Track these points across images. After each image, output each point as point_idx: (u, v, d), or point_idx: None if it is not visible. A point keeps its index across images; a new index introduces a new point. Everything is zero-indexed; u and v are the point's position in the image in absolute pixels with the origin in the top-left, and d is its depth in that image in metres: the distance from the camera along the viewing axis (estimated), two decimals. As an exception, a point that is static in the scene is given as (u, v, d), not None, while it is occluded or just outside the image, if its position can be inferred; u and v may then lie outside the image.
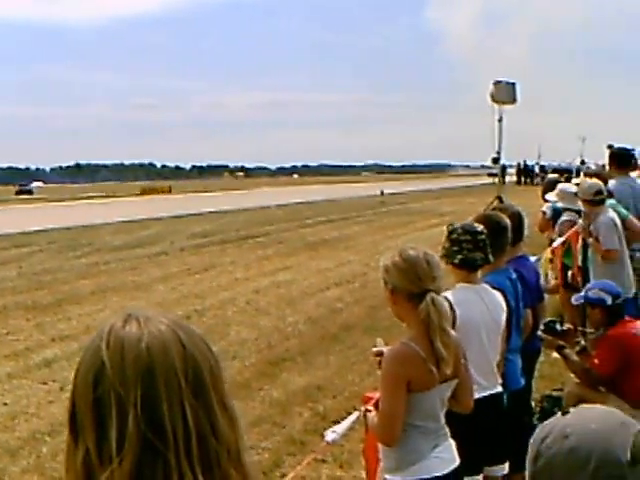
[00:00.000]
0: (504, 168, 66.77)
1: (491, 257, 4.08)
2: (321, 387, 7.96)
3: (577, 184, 8.54)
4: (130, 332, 1.24)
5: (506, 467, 4.15)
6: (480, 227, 4.08)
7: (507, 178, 62.57)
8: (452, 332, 3.26)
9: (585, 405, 1.45)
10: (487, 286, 4.16)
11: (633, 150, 9.87)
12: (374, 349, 3.59)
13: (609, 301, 5.93)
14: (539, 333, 5.71)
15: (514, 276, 4.65)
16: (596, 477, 1.30)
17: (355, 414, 3.82)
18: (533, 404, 6.42)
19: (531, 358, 5.41)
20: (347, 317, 11.09)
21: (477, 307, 4.02)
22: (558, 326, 6.01)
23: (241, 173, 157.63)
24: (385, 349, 3.48)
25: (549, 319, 6.38)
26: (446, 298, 3.92)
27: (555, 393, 6.69)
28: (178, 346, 1.23)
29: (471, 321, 3.97)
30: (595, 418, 1.36)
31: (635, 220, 8.01)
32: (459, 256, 3.99)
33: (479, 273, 4.13)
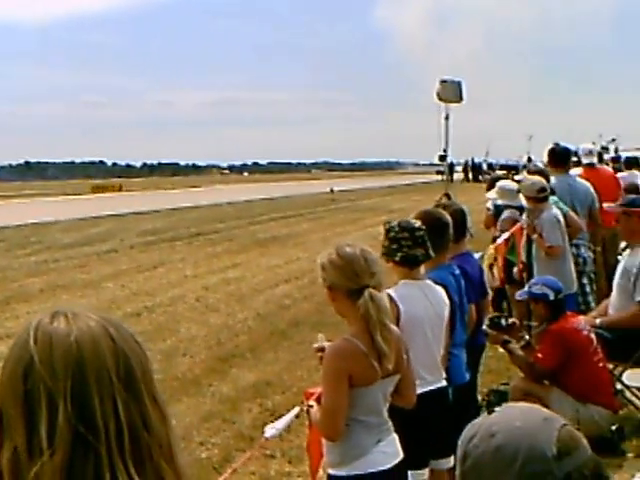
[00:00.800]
0: (452, 166, 67.31)
1: (432, 252, 4.08)
2: (270, 383, 7.94)
3: (518, 181, 8.62)
4: (58, 327, 1.22)
5: (451, 460, 4.15)
6: (417, 223, 4.08)
7: (456, 175, 63.39)
8: (393, 327, 3.27)
9: (510, 404, 1.46)
10: (430, 282, 4.17)
11: (570, 149, 10.01)
12: (315, 345, 3.58)
13: (552, 296, 5.99)
14: (484, 328, 5.75)
15: (457, 272, 4.66)
16: (523, 474, 1.30)
17: (295, 410, 3.81)
18: (480, 398, 6.47)
19: (476, 353, 5.44)
20: (296, 313, 11.08)
21: (420, 303, 4.03)
22: (503, 321, 6.05)
23: (227, 171, 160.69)
24: (326, 345, 3.47)
25: (494, 314, 6.43)
26: (389, 295, 3.93)
27: (501, 387, 6.74)
28: (108, 340, 1.22)
29: (415, 317, 3.98)
30: (519, 416, 1.37)
31: (574, 215, 8.11)
32: (399, 254, 3.99)
33: (421, 269, 4.13)
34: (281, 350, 9.15)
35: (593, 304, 7.90)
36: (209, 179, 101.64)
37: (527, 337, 6.26)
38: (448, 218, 4.54)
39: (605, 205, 7.25)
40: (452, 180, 61.14)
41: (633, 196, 7.30)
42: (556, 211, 7.75)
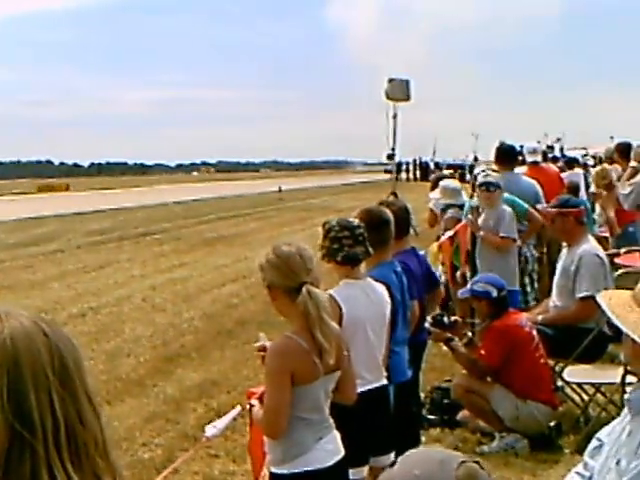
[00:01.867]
0: (400, 165, 67.62)
1: (371, 250, 4.08)
2: (216, 382, 7.87)
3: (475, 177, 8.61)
4: None
5: (392, 457, 4.16)
6: (356, 221, 4.07)
7: (404, 174, 63.69)
8: (333, 323, 3.26)
9: (410, 451, 1.46)
10: (371, 280, 4.16)
11: (515, 147, 10.11)
12: (256, 344, 3.56)
13: (494, 293, 6.03)
14: (427, 326, 5.77)
15: (399, 269, 4.66)
16: None
17: (236, 409, 3.79)
18: (423, 396, 6.51)
19: (418, 350, 5.46)
20: (242, 312, 11.03)
21: (362, 303, 4.01)
22: (445, 319, 6.08)
23: (212, 169, 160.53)
24: (268, 343, 3.45)
25: (437, 312, 6.47)
26: (332, 296, 3.92)
27: (444, 384, 6.77)
28: (42, 337, 1.20)
29: (357, 317, 3.97)
30: (417, 463, 1.38)
31: (533, 210, 8.19)
32: (341, 253, 3.97)
33: (361, 267, 4.13)
34: (227, 349, 9.09)
35: (532, 303, 7.99)
36: (157, 179, 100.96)
37: (470, 334, 6.30)
38: (389, 215, 4.54)
39: (539, 206, 7.32)
40: (400, 179, 61.88)
41: (567, 196, 7.36)
42: (509, 208, 7.82)
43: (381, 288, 4.17)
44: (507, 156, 9.00)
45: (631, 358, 2.48)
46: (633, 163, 7.47)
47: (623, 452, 2.40)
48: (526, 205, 8.18)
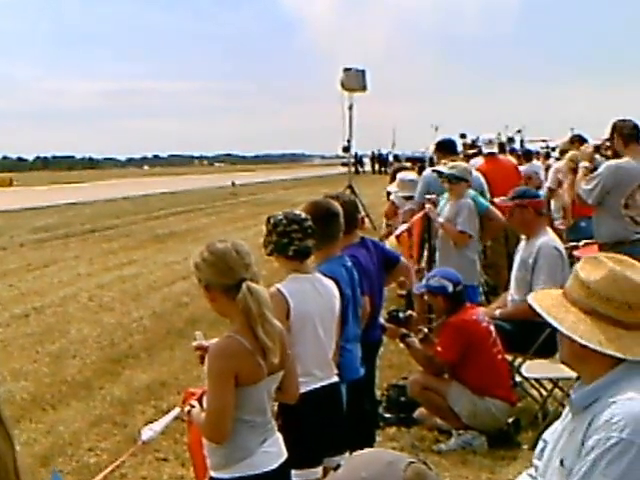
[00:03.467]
0: (359, 157, 67.47)
1: (320, 243, 4.08)
2: (165, 383, 7.82)
3: (435, 171, 8.63)
4: None
5: (346, 457, 4.17)
6: (303, 214, 4.05)
7: (367, 167, 63.74)
8: (275, 321, 3.23)
9: (355, 452, 1.47)
10: (319, 274, 4.15)
11: (454, 140, 10.26)
12: (194, 344, 3.52)
13: (450, 289, 6.06)
14: (381, 321, 5.78)
15: (349, 264, 4.65)
16: None
17: (175, 411, 3.75)
18: (379, 393, 6.53)
19: (373, 347, 5.46)
20: (193, 311, 10.96)
21: (311, 297, 4.00)
22: (401, 314, 6.10)
23: (205, 162, 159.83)
24: (206, 343, 3.42)
25: (392, 308, 6.49)
26: (279, 290, 3.90)
27: (401, 382, 6.81)
28: None
29: (306, 311, 3.96)
30: (364, 465, 1.38)
31: (496, 210, 8.24)
32: (292, 247, 3.95)
33: (309, 261, 4.12)
34: (178, 349, 9.03)
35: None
36: (106, 173, 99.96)
37: (426, 330, 6.33)
38: (337, 208, 4.52)
39: (497, 200, 7.38)
40: (359, 172, 62.02)
41: (524, 187, 7.42)
42: (471, 201, 7.88)
43: (330, 283, 4.15)
44: (446, 149, 9.26)
45: (570, 359, 2.50)
46: (584, 163, 7.56)
47: (566, 452, 2.42)
48: (486, 203, 8.26)
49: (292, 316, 3.87)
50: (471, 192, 8.00)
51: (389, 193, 10.61)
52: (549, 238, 6.42)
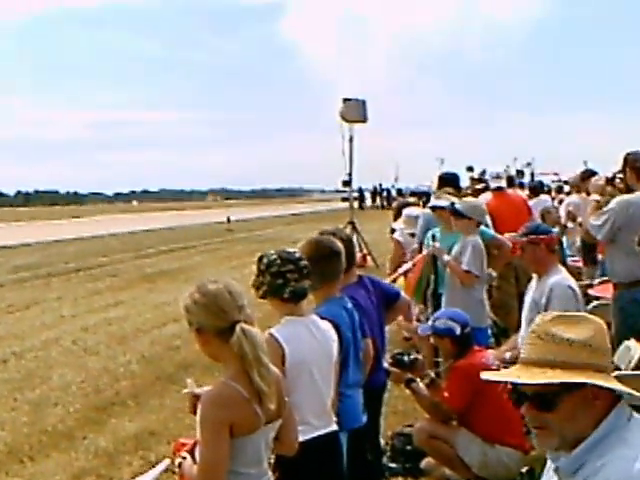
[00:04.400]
0: (361, 192, 67.39)
1: (317, 284, 4.09)
2: (154, 433, 7.79)
3: (432, 207, 8.70)
4: None
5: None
6: (297, 253, 4.05)
7: (368, 202, 63.73)
8: (271, 366, 3.22)
9: None
10: (314, 317, 4.14)
11: (457, 174, 10.32)
12: (185, 391, 3.51)
13: (457, 331, 6.06)
14: (385, 366, 5.78)
15: (350, 305, 4.66)
16: None
17: (164, 463, 3.74)
18: (383, 442, 6.50)
19: (377, 392, 5.46)
20: (185, 355, 10.94)
21: (307, 341, 3.98)
22: (406, 357, 6.09)
23: (218, 196, 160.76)
24: (199, 391, 3.41)
25: (396, 351, 6.48)
26: (273, 335, 3.89)
27: (406, 430, 6.77)
28: None
29: (302, 357, 3.94)
30: None
31: (501, 236, 8.27)
32: (288, 288, 3.93)
33: (306, 302, 4.11)
34: (168, 396, 9.00)
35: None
36: (92, 209, 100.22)
37: (432, 374, 6.31)
38: (339, 246, 4.53)
39: (508, 235, 7.41)
40: (363, 207, 62.10)
41: (537, 223, 7.44)
42: (478, 238, 7.89)
43: (327, 326, 4.15)
44: (448, 184, 9.27)
45: (559, 420, 2.48)
46: (595, 196, 7.61)
47: None
48: (492, 232, 8.29)
49: (287, 362, 3.85)
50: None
51: (393, 230, 10.60)
52: (562, 276, 6.40)
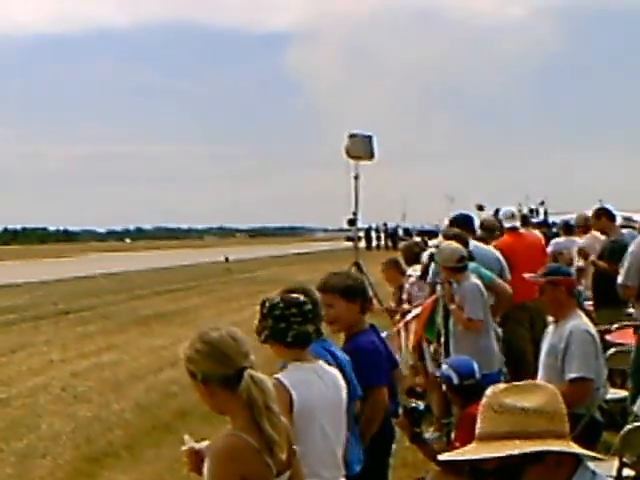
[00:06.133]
0: (369, 231, 66.94)
1: (322, 328, 4.12)
2: (149, 485, 7.80)
3: (436, 247, 8.78)
4: None
5: None
6: (301, 297, 4.09)
7: (372, 242, 63.61)
8: (279, 413, 3.23)
9: None
10: (322, 362, 4.17)
11: (470, 216, 10.33)
12: (184, 448, 3.50)
13: (455, 380, 6.10)
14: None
15: (338, 351, 4.71)
16: None
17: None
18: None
19: (384, 443, 5.45)
20: (183, 402, 10.93)
21: (316, 387, 4.01)
22: (416, 410, 6.10)
23: (241, 234, 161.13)
24: (198, 446, 3.41)
25: (408, 400, 6.49)
26: (279, 381, 3.91)
27: (417, 484, 6.76)
28: None
29: (311, 404, 3.95)
30: None
31: (501, 281, 8.30)
32: (291, 332, 3.97)
33: (310, 349, 4.13)
34: (164, 446, 8.99)
35: None
36: (83, 247, 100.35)
37: (447, 422, 6.33)
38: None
39: (526, 275, 7.41)
40: (371, 247, 61.98)
41: (557, 264, 7.48)
42: (477, 281, 7.93)
43: (334, 370, 4.19)
44: (461, 226, 9.27)
45: None
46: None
47: None
48: (489, 273, 8.31)
49: (295, 410, 3.86)
50: (471, 265, 8.05)
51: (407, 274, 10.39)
52: (581, 321, 6.42)
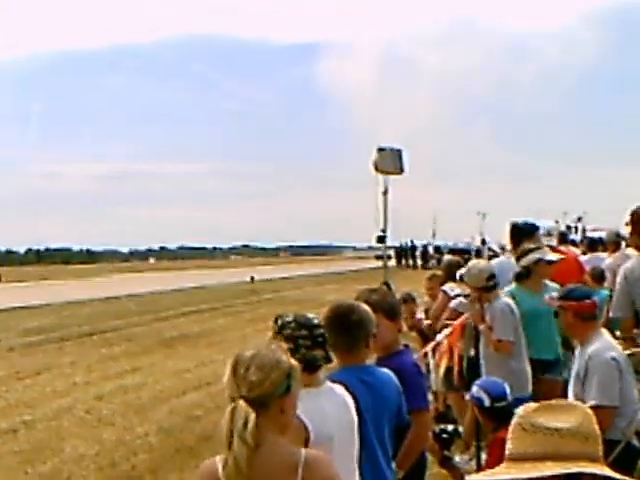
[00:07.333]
0: (402, 249, 66.23)
1: (332, 355, 4.10)
2: (174, 510, 7.81)
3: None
4: None
5: None
6: (316, 320, 4.08)
7: (403, 261, 63.34)
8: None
9: None
10: (329, 383, 4.14)
11: (535, 224, 10.06)
12: None
13: (487, 402, 6.06)
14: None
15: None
16: None
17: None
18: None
19: (417, 469, 5.43)
20: (207, 426, 10.96)
21: (329, 414, 3.98)
22: (446, 433, 6.09)
23: (285, 252, 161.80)
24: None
25: (440, 426, 6.47)
26: None
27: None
28: None
29: (327, 433, 3.91)
30: None
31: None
32: (297, 355, 3.93)
33: (321, 374, 4.10)
34: (188, 470, 9.01)
35: None
36: (106, 267, 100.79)
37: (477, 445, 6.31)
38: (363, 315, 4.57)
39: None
40: (409, 265, 61.54)
41: (574, 286, 7.21)
42: (508, 300, 7.87)
43: (340, 389, 4.15)
44: (523, 234, 9.02)
45: None
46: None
47: None
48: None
49: (312, 440, 3.81)
50: (506, 289, 7.97)
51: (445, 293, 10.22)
52: (603, 345, 6.17)
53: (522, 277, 8.24)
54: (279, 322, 4.05)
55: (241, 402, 3.14)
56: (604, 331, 6.36)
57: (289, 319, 4.03)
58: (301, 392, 3.91)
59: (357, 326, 4.51)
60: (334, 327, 4.28)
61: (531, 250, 8.32)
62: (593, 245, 16.28)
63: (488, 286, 7.81)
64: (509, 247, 10.15)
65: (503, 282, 8.34)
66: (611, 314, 7.32)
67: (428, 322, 9.92)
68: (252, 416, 3.09)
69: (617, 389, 5.95)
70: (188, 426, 11.30)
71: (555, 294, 6.79)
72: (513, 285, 8.24)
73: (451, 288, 9.77)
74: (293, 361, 3.28)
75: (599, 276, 11.60)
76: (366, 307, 4.60)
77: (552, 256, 8.43)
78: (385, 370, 4.73)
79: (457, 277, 9.35)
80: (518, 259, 8.37)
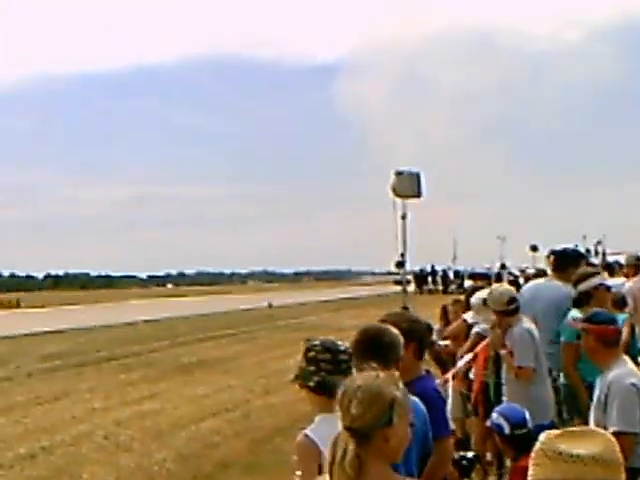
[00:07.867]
0: (424, 274, 65.73)
1: None
2: (192, 537, 7.81)
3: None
4: None
5: None
6: (343, 346, 4.10)
7: (423, 285, 63.03)
8: None
9: None
10: None
11: (578, 250, 9.96)
12: None
13: (507, 430, 6.04)
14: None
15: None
16: None
17: None
18: None
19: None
20: (225, 453, 10.96)
21: None
22: (465, 460, 6.06)
23: (309, 278, 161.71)
24: None
25: (460, 453, 6.43)
26: (307, 436, 3.89)
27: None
28: None
29: None
30: None
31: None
32: (315, 378, 3.98)
33: None
34: (206, 497, 9.03)
35: None
36: (125, 292, 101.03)
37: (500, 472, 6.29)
38: (393, 337, 4.58)
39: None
40: (430, 290, 61.13)
41: (597, 310, 7.16)
42: (529, 325, 7.83)
43: None
44: (566, 261, 9.05)
45: None
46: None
47: None
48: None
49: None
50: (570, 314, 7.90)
51: (466, 322, 10.13)
52: (624, 371, 6.12)
53: (582, 303, 8.11)
54: (308, 344, 4.10)
55: (343, 432, 3.19)
56: (626, 358, 6.33)
57: (316, 342, 4.07)
58: (319, 417, 3.94)
59: (388, 349, 4.52)
60: (365, 350, 4.27)
61: (590, 275, 8.26)
62: (609, 269, 16.18)
63: (509, 310, 7.78)
64: (549, 272, 10.06)
65: (539, 305, 8.37)
66: None
67: (444, 343, 9.89)
68: (351, 447, 3.12)
69: (638, 415, 5.91)
70: (206, 453, 11.29)
71: (579, 316, 6.77)
72: (574, 311, 8.09)
73: (471, 317, 9.69)
74: (398, 393, 3.25)
75: (620, 302, 11.52)
76: (395, 330, 4.62)
77: (610, 282, 8.36)
78: (411, 397, 4.73)
79: (471, 303, 9.37)
80: (576, 284, 8.27)
